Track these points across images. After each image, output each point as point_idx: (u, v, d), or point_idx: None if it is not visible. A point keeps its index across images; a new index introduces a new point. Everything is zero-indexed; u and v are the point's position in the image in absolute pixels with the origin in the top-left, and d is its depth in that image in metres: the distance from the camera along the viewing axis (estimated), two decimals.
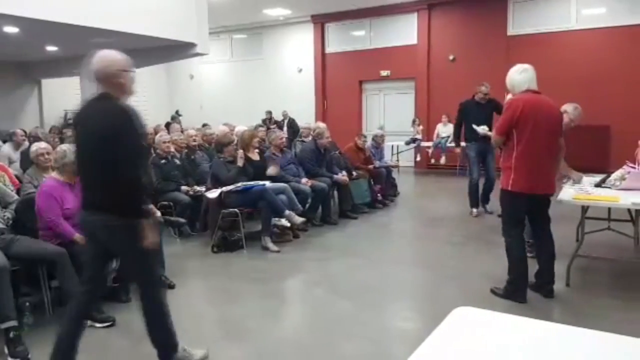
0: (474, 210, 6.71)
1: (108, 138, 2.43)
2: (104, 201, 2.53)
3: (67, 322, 2.72)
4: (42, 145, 4.55)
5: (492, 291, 3.85)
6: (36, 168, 4.46)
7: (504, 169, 3.66)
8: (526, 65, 3.64)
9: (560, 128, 3.68)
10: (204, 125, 11.34)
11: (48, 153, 4.33)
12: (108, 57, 2.60)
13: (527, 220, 3.85)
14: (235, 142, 5.88)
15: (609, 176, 4.47)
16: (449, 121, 11.35)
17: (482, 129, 6.23)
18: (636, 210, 3.86)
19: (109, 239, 2.60)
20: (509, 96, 3.85)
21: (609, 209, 4.59)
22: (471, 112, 6.43)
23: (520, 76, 3.60)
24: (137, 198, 2.53)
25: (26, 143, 7.30)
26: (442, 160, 11.55)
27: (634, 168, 4.27)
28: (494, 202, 6.48)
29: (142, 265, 2.68)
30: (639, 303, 3.67)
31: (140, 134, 2.52)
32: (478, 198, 6.71)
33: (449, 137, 11.28)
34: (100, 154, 2.47)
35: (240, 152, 5.57)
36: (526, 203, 3.63)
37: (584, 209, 3.98)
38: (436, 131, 11.58)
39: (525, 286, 3.72)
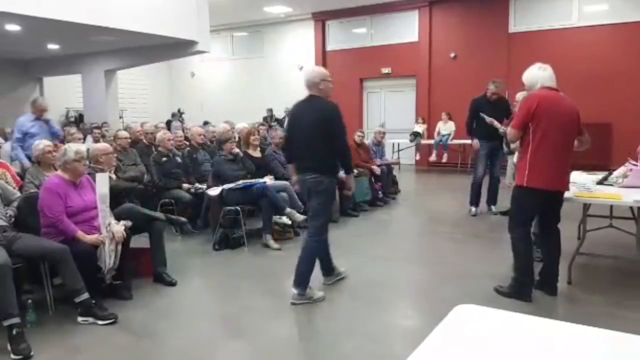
0: (473, 208, 6.65)
1: (327, 122, 3.63)
2: (315, 165, 3.69)
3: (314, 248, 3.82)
4: (48, 142, 4.60)
5: (497, 290, 3.81)
6: (38, 167, 4.48)
7: (520, 166, 3.62)
8: (545, 64, 3.64)
9: (577, 126, 3.63)
10: (205, 122, 11.37)
11: (54, 150, 4.39)
12: (314, 70, 3.83)
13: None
14: (237, 138, 5.90)
15: (611, 174, 4.46)
16: (450, 119, 11.35)
17: (489, 119, 6.11)
18: (638, 208, 3.85)
19: (314, 189, 3.72)
20: (520, 94, 3.81)
21: (611, 206, 4.58)
22: (481, 110, 6.30)
23: (540, 72, 3.59)
24: (345, 160, 3.82)
25: None
26: (444, 159, 11.53)
27: (636, 165, 4.26)
28: (500, 204, 6.49)
29: (324, 211, 3.83)
30: None
31: (344, 125, 3.71)
32: (479, 197, 6.68)
33: (449, 134, 11.29)
34: (320, 133, 3.63)
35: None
36: (541, 200, 3.60)
37: (586, 206, 3.97)
38: (437, 129, 11.57)
39: (531, 285, 3.70)
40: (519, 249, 3.72)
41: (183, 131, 8.02)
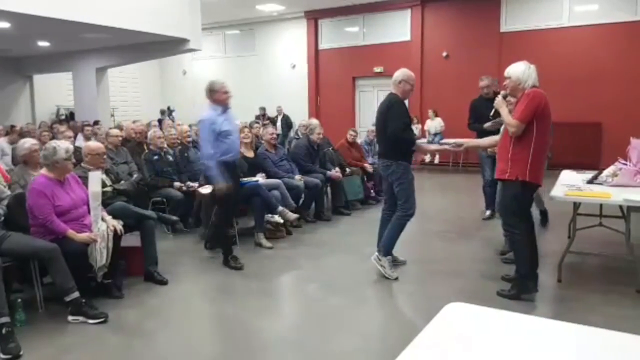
0: (488, 212, 6.30)
1: (384, 113, 4.20)
2: (383, 151, 4.34)
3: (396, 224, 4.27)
4: (33, 141, 4.54)
5: (501, 294, 3.72)
6: (24, 166, 4.37)
7: (517, 159, 3.57)
8: (531, 64, 3.69)
9: None
10: None
11: (38, 150, 4.33)
12: (399, 71, 4.36)
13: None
14: None
15: (600, 173, 4.49)
16: (436, 116, 11.43)
17: (487, 125, 6.07)
18: (628, 207, 3.88)
19: (385, 173, 4.32)
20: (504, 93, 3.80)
21: (601, 205, 4.62)
22: (479, 110, 6.11)
23: (530, 71, 3.63)
24: (397, 145, 4.17)
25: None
26: (435, 160, 11.66)
27: (626, 165, 4.30)
28: None
29: (404, 192, 4.19)
30: (629, 299, 3.69)
31: (400, 115, 4.13)
32: (493, 199, 6.00)
33: (440, 134, 11.33)
34: (382, 123, 4.20)
35: None
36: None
37: (576, 205, 4.00)
38: (426, 127, 11.63)
39: (536, 279, 3.72)
40: (524, 244, 3.70)
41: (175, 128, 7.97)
